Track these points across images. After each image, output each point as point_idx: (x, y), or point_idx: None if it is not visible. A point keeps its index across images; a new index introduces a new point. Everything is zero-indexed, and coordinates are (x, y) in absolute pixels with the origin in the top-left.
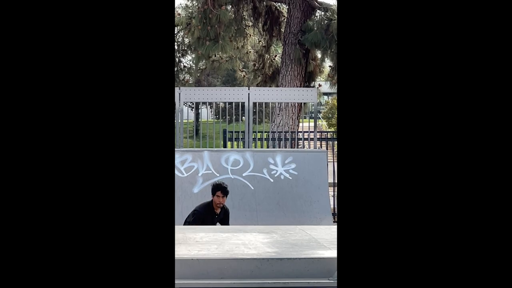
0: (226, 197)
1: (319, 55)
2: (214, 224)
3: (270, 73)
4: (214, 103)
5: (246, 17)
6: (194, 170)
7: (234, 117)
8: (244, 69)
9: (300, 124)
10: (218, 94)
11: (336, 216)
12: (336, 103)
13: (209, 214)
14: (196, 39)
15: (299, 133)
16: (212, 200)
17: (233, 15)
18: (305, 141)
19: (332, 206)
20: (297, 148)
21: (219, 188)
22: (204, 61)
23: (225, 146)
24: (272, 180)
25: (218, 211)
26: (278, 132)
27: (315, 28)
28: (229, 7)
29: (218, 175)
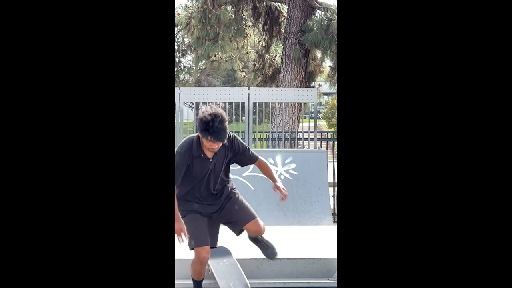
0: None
1: (319, 55)
2: (206, 171)
3: (270, 73)
4: (214, 103)
5: (246, 17)
6: None
7: (234, 117)
8: (244, 69)
9: (300, 124)
10: (218, 94)
11: (336, 216)
12: (336, 103)
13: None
14: (196, 39)
15: (299, 133)
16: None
17: (233, 15)
18: (305, 141)
19: (332, 206)
20: (297, 148)
21: (209, 132)
22: (204, 61)
23: None
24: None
25: (211, 156)
26: (278, 132)
27: (315, 28)
28: (229, 7)
29: None
